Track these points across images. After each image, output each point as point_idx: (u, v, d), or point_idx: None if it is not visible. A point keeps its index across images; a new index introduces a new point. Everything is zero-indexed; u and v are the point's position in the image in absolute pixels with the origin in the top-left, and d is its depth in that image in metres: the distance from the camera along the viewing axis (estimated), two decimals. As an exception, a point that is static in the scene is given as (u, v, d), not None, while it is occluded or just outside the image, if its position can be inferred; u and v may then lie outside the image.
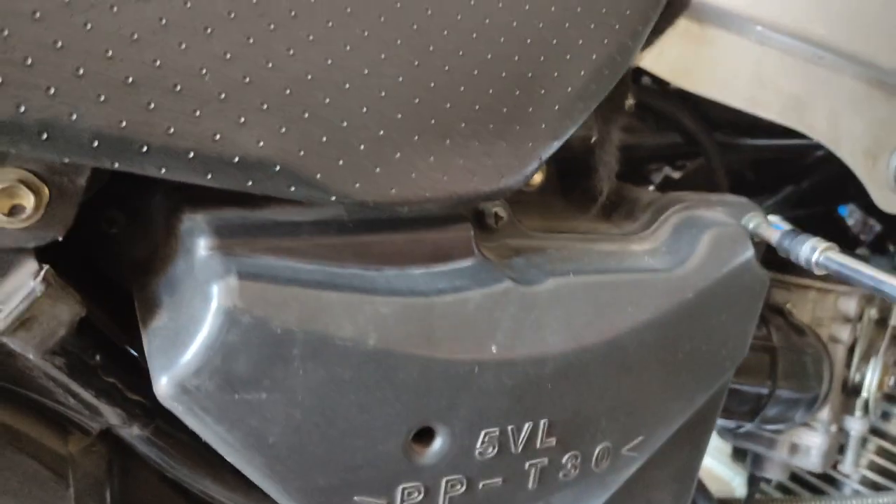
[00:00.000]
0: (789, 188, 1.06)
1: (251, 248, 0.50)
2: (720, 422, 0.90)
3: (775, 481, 1.21)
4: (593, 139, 0.69)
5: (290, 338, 0.47)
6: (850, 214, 1.26)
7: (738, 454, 1.05)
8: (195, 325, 0.46)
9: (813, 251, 0.68)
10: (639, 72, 0.79)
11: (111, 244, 0.55)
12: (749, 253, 0.68)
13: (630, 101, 0.68)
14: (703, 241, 0.67)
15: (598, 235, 0.70)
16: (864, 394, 0.95)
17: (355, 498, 0.53)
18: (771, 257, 0.98)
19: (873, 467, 1.11)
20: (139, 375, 0.54)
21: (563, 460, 0.62)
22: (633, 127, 0.85)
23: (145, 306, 0.51)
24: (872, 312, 0.96)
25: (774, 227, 0.72)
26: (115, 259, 0.56)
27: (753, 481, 1.03)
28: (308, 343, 0.48)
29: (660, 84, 0.91)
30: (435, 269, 0.57)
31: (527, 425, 0.58)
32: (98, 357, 0.53)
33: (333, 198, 0.48)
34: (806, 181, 1.06)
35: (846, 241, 1.19)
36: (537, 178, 0.73)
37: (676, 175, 1.10)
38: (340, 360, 0.49)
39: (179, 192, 0.53)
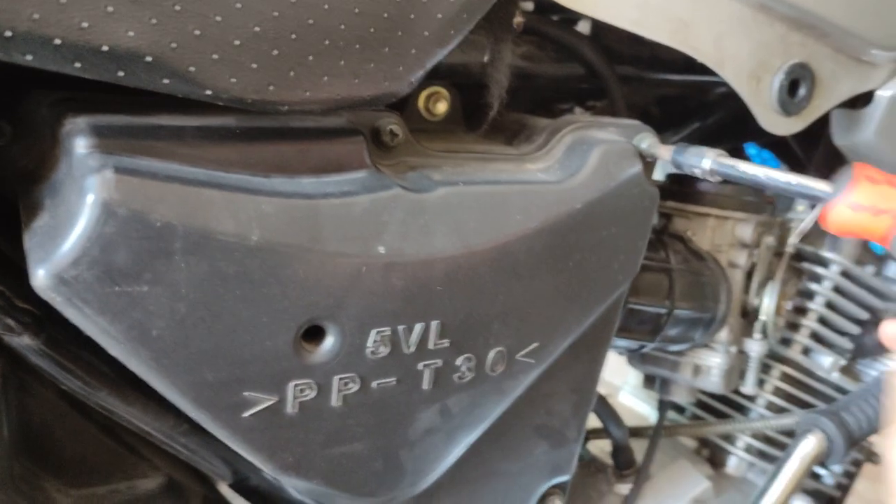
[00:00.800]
0: (694, 124, 1.10)
1: (132, 150, 0.50)
2: (625, 343, 0.93)
3: (689, 413, 1.26)
4: (485, 58, 0.71)
5: (169, 232, 0.48)
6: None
7: (648, 381, 1.09)
8: (72, 219, 0.46)
9: (705, 160, 0.71)
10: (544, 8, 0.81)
11: (-3, 157, 0.55)
12: (637, 168, 0.71)
13: (518, 19, 0.69)
14: (592, 156, 0.69)
15: (495, 155, 0.72)
16: (763, 317, 1.00)
17: (245, 393, 0.54)
18: (672, 188, 1.02)
19: (778, 393, 1.16)
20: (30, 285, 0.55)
21: (458, 362, 0.64)
22: (532, 55, 0.87)
23: (27, 211, 0.51)
24: (769, 239, 1.00)
25: (666, 146, 0.75)
26: (2, 171, 0.56)
27: (662, 406, 1.07)
28: (189, 237, 0.49)
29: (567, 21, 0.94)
30: (325, 179, 0.58)
31: (418, 326, 0.60)
32: (-17, 264, 0.53)
33: (209, 92, 0.49)
34: (710, 118, 1.10)
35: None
36: (441, 108, 0.75)
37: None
38: (223, 256, 0.50)
39: (65, 103, 0.53)
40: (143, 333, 0.49)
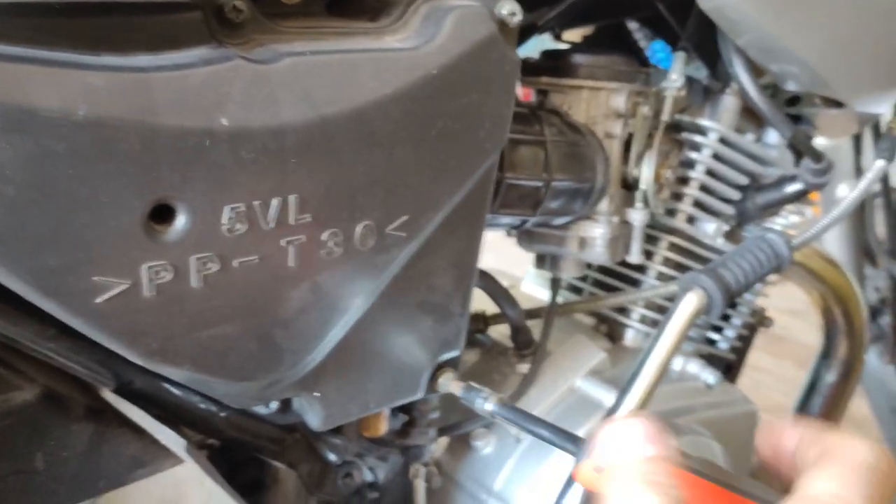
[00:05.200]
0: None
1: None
2: (509, 219, 0.94)
3: (586, 294, 1.29)
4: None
5: (-17, 110, 0.46)
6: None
7: (540, 261, 1.11)
8: None
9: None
10: None
11: None
12: (492, 31, 0.70)
13: None
14: (446, 22, 0.68)
15: (352, 29, 0.70)
16: (643, 186, 1.02)
17: (94, 278, 0.52)
18: (546, 64, 1.02)
19: (668, 263, 1.20)
20: None
21: (323, 237, 0.63)
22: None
23: None
24: (645, 109, 1.01)
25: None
26: None
27: (555, 283, 1.09)
28: (6, 115, 0.46)
29: None
30: (161, 55, 0.55)
31: (275, 201, 0.59)
32: None
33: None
34: (589, -9, 1.09)
35: (638, 57, 1.23)
36: (296, -11, 0.73)
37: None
38: (49, 132, 0.48)
39: None
40: (-32, 219, 0.47)
